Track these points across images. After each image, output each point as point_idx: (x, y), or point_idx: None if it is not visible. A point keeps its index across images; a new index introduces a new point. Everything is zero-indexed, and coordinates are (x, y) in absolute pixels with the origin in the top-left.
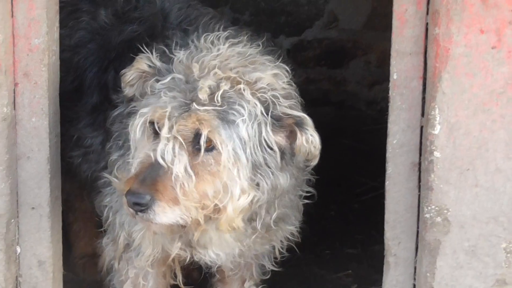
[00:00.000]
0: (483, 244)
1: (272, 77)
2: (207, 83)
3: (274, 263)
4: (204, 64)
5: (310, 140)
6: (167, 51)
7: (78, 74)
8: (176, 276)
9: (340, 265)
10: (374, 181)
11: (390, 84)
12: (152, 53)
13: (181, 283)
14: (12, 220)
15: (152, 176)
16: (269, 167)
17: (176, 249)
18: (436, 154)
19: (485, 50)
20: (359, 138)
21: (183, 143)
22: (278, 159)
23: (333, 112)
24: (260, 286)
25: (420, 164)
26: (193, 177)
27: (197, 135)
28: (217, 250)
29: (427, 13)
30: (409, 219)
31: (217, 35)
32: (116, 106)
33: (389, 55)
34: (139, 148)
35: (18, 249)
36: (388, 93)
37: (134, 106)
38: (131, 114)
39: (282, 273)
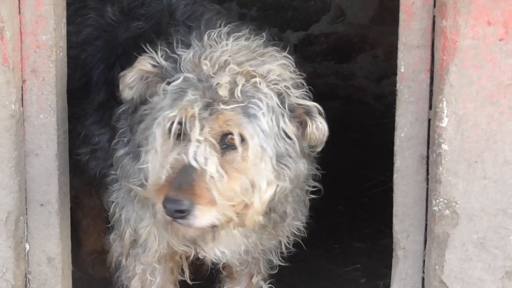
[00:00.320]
0: (491, 236)
1: (281, 68)
2: (225, 79)
3: (281, 258)
4: (213, 60)
5: (320, 128)
6: (168, 51)
7: (86, 71)
8: (183, 272)
9: (348, 259)
10: (382, 175)
11: (398, 77)
12: (156, 52)
13: (189, 278)
14: (21, 217)
15: (188, 181)
16: (290, 156)
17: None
18: (444, 146)
19: (492, 42)
20: (366, 132)
21: (215, 144)
22: (297, 147)
23: (340, 106)
24: (268, 281)
25: (428, 157)
26: (225, 176)
27: (224, 134)
28: (223, 248)
29: (434, 6)
30: (417, 212)
31: (219, 31)
32: (122, 103)
33: (397, 49)
34: (163, 153)
35: (27, 246)
36: (395, 86)
37: (145, 109)
38: (143, 116)
39: (290, 267)
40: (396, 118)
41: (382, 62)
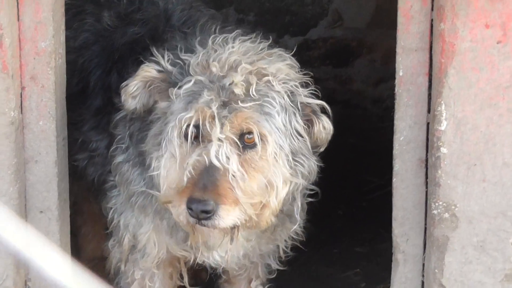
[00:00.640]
0: (491, 239)
1: (289, 67)
2: (238, 78)
3: (280, 262)
4: (222, 61)
5: (326, 127)
6: (171, 55)
7: (83, 76)
8: (182, 277)
9: (348, 263)
10: (381, 179)
11: (396, 81)
12: (152, 57)
13: (188, 284)
14: None
15: (212, 181)
16: (303, 154)
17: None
18: (443, 150)
19: (491, 44)
20: (365, 137)
21: (237, 142)
22: (309, 145)
23: (338, 111)
24: (267, 286)
25: (427, 160)
26: (245, 175)
27: (242, 133)
28: (222, 252)
29: (432, 9)
30: (417, 216)
31: (224, 36)
32: (119, 109)
33: (394, 53)
34: (181, 155)
35: None
36: (393, 90)
37: (156, 113)
38: (146, 123)
39: (290, 272)
40: (395, 122)
41: (380, 66)
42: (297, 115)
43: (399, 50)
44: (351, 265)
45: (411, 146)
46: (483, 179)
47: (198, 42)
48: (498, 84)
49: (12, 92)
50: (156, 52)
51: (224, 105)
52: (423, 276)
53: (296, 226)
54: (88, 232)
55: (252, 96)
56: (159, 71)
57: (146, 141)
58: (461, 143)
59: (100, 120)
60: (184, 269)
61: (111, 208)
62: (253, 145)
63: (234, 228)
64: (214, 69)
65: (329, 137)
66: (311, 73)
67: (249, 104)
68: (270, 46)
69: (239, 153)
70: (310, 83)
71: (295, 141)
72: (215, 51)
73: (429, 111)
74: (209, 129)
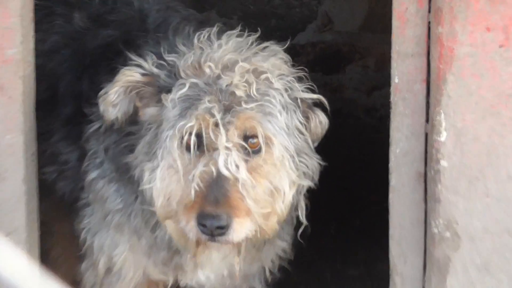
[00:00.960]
0: (496, 259)
1: (283, 62)
2: (238, 79)
3: (266, 286)
4: (215, 61)
5: (322, 121)
6: (154, 57)
7: (52, 82)
8: None
9: (342, 287)
10: (376, 195)
11: (392, 88)
12: (127, 62)
13: None
14: None
15: (222, 192)
16: (305, 153)
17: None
18: (443, 162)
19: (492, 49)
20: (358, 149)
21: (246, 146)
22: (310, 142)
23: (329, 121)
24: None
25: (426, 174)
26: (254, 182)
27: (246, 137)
28: (207, 272)
29: (429, 11)
30: (415, 234)
31: (208, 32)
32: (91, 120)
33: (388, 58)
34: (182, 167)
35: None
36: (388, 99)
37: (139, 124)
38: (129, 135)
39: None
40: (391, 133)
41: (373, 73)
42: (297, 112)
43: (394, 55)
44: None
45: (408, 158)
46: (486, 194)
47: (182, 43)
48: (500, 91)
49: None
50: (132, 56)
51: (226, 109)
52: None
53: (284, 243)
54: (58, 255)
55: (253, 96)
56: (143, 75)
57: (136, 151)
58: (461, 155)
59: (70, 130)
60: None
61: (84, 228)
62: (258, 150)
63: (243, 241)
64: (207, 70)
65: (325, 132)
66: (303, 67)
67: (251, 105)
68: (259, 40)
69: (248, 158)
70: (304, 77)
71: (298, 140)
72: (203, 50)
73: (427, 120)
74: (213, 138)
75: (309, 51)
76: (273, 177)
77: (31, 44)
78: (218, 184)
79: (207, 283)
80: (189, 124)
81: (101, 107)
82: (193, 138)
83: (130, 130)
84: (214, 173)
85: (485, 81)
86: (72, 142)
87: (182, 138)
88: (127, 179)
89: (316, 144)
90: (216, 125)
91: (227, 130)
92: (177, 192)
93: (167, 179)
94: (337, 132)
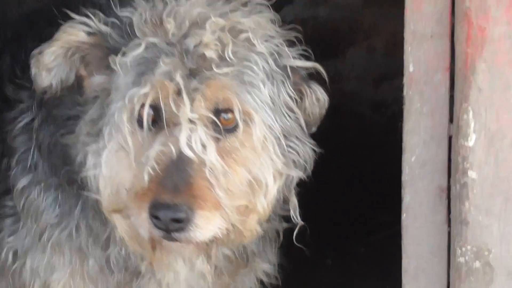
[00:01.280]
0: None
1: (270, 21)
2: (209, 37)
3: None
4: (181, 16)
5: (320, 98)
6: (101, 14)
7: None
8: None
9: None
10: (385, 215)
11: (405, 79)
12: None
13: None
14: None
15: (184, 178)
16: (296, 136)
17: None
18: (472, 174)
19: None
20: (362, 156)
21: (216, 121)
22: (302, 123)
23: (325, 120)
24: None
25: (449, 189)
26: (226, 168)
27: (218, 110)
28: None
29: None
30: (436, 266)
31: None
32: (14, 106)
33: (401, 39)
34: (134, 146)
35: None
36: (401, 92)
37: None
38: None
39: None
40: (404, 136)
41: (381, 58)
42: (287, 83)
43: (408, 36)
44: None
45: (426, 169)
46: None
47: None
48: None
49: None
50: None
51: (192, 74)
52: None
53: (266, 265)
54: None
55: (228, 59)
56: (89, 34)
57: (77, 131)
58: (496, 165)
59: None
60: None
61: (7, 244)
62: (233, 128)
63: (212, 242)
64: (169, 27)
65: (324, 112)
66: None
67: (225, 69)
68: None
69: (219, 137)
70: (298, 41)
71: (286, 119)
72: (166, 3)
73: (451, 120)
74: (174, 109)
75: (298, 30)
76: (252, 164)
77: None
78: (179, 168)
79: None
80: (143, 92)
81: (33, 70)
82: (146, 109)
83: (71, 113)
84: (174, 154)
85: None
86: None
87: (134, 110)
88: (68, 181)
89: (314, 129)
90: (178, 93)
91: (192, 100)
92: (128, 178)
93: (115, 162)
94: (336, 134)
